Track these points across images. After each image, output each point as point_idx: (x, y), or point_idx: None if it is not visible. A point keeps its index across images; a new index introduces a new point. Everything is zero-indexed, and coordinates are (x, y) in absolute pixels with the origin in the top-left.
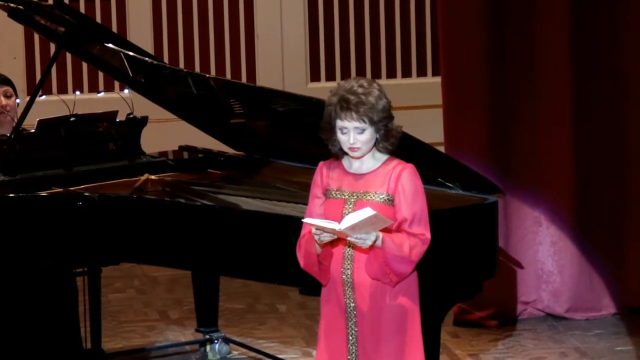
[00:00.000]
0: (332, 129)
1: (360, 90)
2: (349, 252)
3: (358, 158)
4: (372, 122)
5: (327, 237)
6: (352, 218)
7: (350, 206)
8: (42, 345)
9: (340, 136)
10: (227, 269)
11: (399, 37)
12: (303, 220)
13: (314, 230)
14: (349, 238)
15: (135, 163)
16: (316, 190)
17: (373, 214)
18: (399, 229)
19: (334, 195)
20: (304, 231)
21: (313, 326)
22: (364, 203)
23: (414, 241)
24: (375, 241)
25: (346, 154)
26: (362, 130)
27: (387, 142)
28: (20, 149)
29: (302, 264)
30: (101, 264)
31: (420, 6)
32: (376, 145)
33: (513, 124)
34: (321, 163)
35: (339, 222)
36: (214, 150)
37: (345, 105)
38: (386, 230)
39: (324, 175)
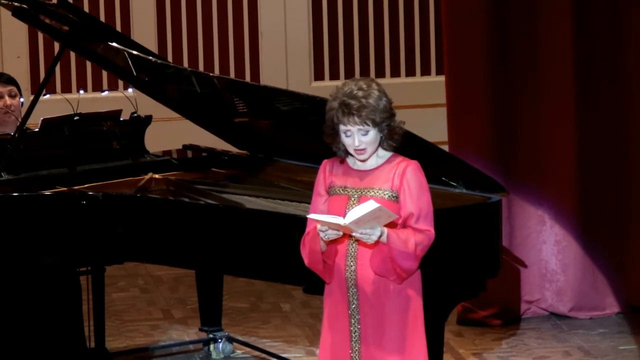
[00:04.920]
0: (336, 133)
1: (360, 93)
2: (353, 249)
3: (364, 160)
4: (375, 124)
5: (333, 235)
6: (357, 212)
7: (354, 202)
8: (45, 344)
9: (345, 139)
10: (231, 268)
11: (403, 35)
12: (308, 215)
13: (319, 227)
14: (354, 234)
15: (139, 162)
16: (319, 188)
17: (377, 207)
18: (404, 225)
19: (338, 191)
20: (308, 228)
21: (317, 325)
22: (367, 199)
23: (420, 237)
24: (380, 236)
25: (352, 154)
26: (366, 132)
27: (391, 139)
28: (24, 147)
29: (306, 261)
30: (105, 263)
31: (424, 5)
32: (381, 144)
33: (516, 123)
34: (325, 161)
35: (344, 218)
36: (218, 149)
37: (347, 110)
38: (391, 225)
39: (327, 173)
